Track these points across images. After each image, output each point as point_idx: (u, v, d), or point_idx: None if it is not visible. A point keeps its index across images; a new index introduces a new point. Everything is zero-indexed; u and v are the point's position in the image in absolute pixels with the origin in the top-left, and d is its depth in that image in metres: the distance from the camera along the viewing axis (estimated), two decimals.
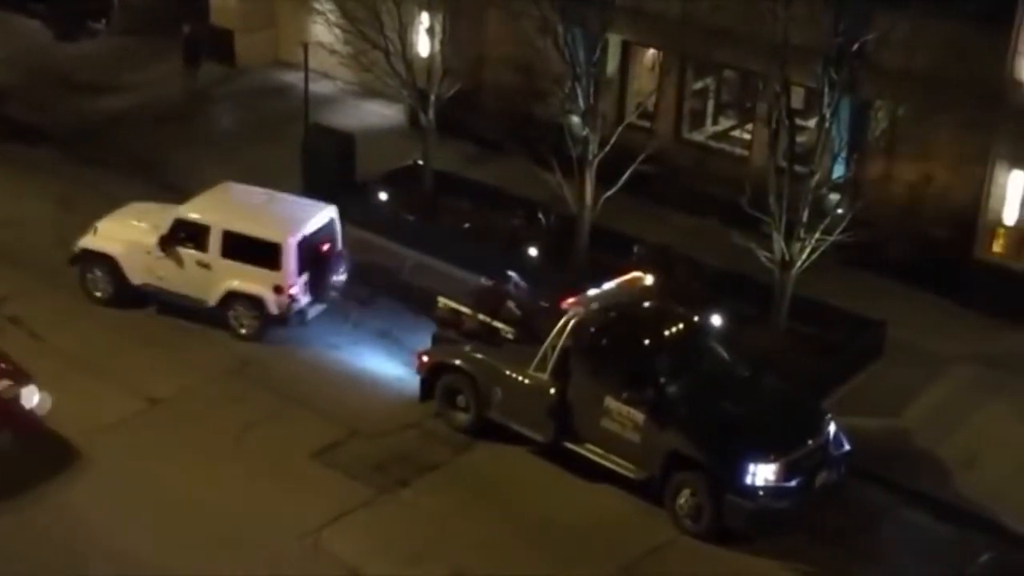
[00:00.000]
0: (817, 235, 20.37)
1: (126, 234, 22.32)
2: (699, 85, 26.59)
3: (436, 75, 24.97)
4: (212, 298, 21.70)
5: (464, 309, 20.47)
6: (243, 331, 21.73)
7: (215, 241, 21.41)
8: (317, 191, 25.23)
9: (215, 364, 21.17)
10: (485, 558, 17.41)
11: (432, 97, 24.95)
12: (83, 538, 17.34)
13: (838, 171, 21.89)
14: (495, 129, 26.76)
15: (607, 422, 18.48)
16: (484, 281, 21.39)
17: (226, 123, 29.90)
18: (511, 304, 20.41)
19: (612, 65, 25.93)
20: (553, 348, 18.85)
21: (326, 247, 21.74)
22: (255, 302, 21.44)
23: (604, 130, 22.75)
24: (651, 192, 24.65)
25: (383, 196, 25.22)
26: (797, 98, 22.30)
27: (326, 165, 25.62)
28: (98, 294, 22.55)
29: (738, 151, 25.85)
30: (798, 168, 20.65)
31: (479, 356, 19.68)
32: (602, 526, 18.14)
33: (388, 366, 21.30)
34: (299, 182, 25.51)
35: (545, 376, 18.93)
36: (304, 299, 21.55)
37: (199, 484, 18.48)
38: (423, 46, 26.10)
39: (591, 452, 18.77)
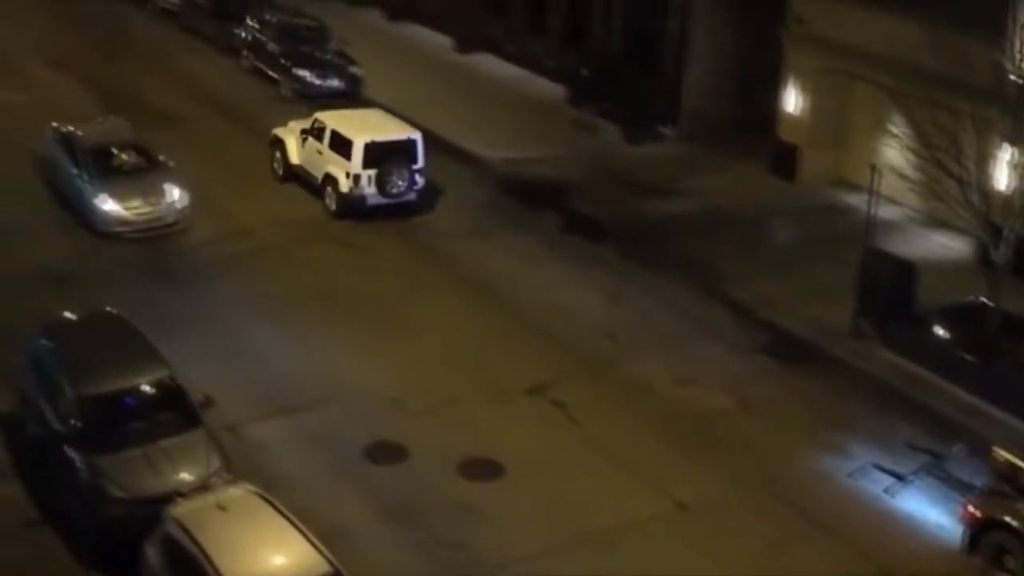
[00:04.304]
0: None
1: (294, 128, 31.26)
2: None
3: (1015, 210, 23.46)
4: (319, 177, 29.88)
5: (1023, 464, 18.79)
6: (328, 203, 29.61)
7: (326, 136, 29.90)
8: (870, 316, 24.44)
9: (741, 474, 20.63)
10: None
11: (1007, 233, 23.43)
12: None
13: None
14: None
15: None
16: None
17: (782, 237, 29.60)
18: None
19: None
20: None
21: (395, 155, 29.19)
22: (335, 182, 29.26)
23: None
24: None
25: (940, 330, 23.84)
26: None
27: (882, 291, 24.60)
28: (276, 167, 31.45)
29: None
30: None
31: None
32: None
33: (929, 509, 19.89)
34: (851, 305, 24.65)
35: None
36: (368, 188, 29.07)
37: None
38: (1002, 178, 24.63)
39: None
